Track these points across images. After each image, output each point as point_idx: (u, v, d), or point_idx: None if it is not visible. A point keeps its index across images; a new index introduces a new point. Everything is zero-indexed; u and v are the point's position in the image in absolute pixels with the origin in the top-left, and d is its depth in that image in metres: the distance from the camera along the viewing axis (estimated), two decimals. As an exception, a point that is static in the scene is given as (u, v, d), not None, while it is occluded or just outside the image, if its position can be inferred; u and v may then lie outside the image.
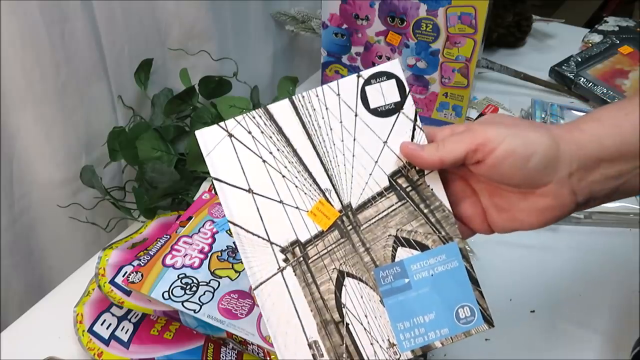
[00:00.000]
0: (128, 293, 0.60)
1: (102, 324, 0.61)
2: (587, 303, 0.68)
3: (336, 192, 0.44)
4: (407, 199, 0.44)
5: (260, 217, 0.43)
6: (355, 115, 0.44)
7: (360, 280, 0.43)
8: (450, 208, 0.44)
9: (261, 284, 0.43)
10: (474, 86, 0.98)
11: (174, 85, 0.86)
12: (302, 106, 0.44)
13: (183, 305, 0.57)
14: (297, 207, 0.43)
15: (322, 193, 0.44)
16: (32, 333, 0.66)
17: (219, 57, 0.89)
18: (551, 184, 0.41)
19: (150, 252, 0.62)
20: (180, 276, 0.60)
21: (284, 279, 0.43)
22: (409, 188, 0.44)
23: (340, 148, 0.44)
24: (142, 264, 0.60)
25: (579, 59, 1.08)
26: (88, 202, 0.78)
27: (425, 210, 0.44)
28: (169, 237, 0.64)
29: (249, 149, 0.43)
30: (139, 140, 0.75)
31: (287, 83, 0.83)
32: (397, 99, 0.44)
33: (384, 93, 0.44)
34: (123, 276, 0.62)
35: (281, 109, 0.44)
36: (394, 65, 0.44)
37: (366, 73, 0.44)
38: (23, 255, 0.80)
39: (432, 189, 0.44)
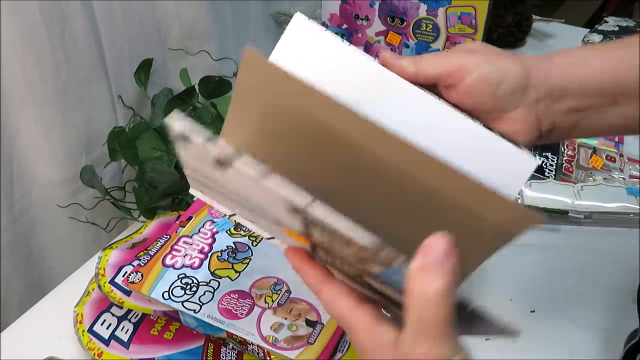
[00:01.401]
0: (128, 293, 0.60)
1: (102, 324, 0.61)
2: (587, 303, 0.68)
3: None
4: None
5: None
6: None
7: None
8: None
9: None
10: (474, 86, 0.98)
11: (174, 85, 0.86)
12: None
13: (183, 305, 0.57)
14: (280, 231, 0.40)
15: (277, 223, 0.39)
16: (32, 333, 0.66)
17: (219, 57, 0.89)
18: (519, 108, 0.43)
19: (150, 252, 0.62)
20: (180, 276, 0.60)
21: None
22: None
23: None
24: (142, 264, 0.60)
25: (579, 59, 1.08)
26: (88, 202, 0.78)
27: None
28: (169, 237, 0.64)
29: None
30: (139, 140, 0.75)
31: (287, 83, 0.82)
32: None
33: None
34: (123, 276, 0.62)
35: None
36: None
37: None
38: (23, 255, 0.80)
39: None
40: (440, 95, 0.43)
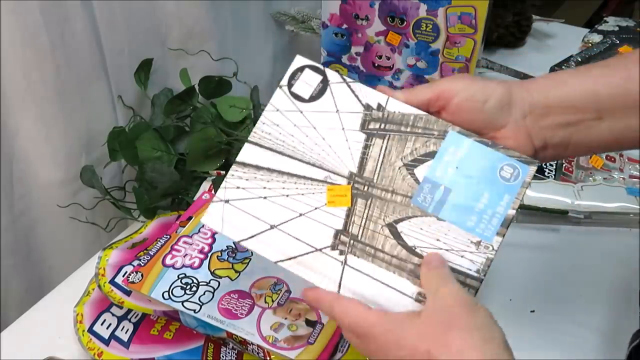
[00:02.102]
0: (128, 293, 0.60)
1: (102, 324, 0.61)
2: (587, 303, 0.68)
3: (335, 173, 0.46)
4: (387, 132, 0.47)
5: (296, 238, 0.45)
6: (301, 112, 0.48)
7: (409, 217, 0.45)
8: (424, 112, 0.47)
9: (339, 287, 0.44)
10: (474, 86, 0.98)
11: (174, 85, 0.86)
12: (260, 137, 0.48)
13: (183, 305, 0.57)
14: (315, 208, 0.46)
15: (324, 182, 0.46)
16: (32, 333, 0.66)
17: (219, 57, 0.89)
18: (509, 125, 0.46)
19: (150, 252, 0.62)
20: (180, 276, 0.60)
21: (351, 267, 0.44)
22: (382, 124, 0.47)
23: (310, 143, 0.47)
24: (142, 264, 0.60)
25: (579, 59, 1.08)
26: (88, 202, 0.78)
27: (408, 129, 0.47)
28: (169, 237, 0.64)
29: (247, 199, 0.46)
30: (139, 140, 0.75)
31: (287, 83, 0.82)
32: (319, 77, 0.48)
33: (308, 82, 0.48)
34: (123, 276, 0.62)
35: (247, 153, 0.47)
36: (298, 60, 0.49)
37: (284, 81, 0.49)
38: (23, 255, 0.80)
39: (399, 112, 0.47)
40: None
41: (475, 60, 0.88)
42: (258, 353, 0.56)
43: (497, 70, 1.07)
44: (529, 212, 0.78)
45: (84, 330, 0.61)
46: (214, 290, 0.59)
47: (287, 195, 0.46)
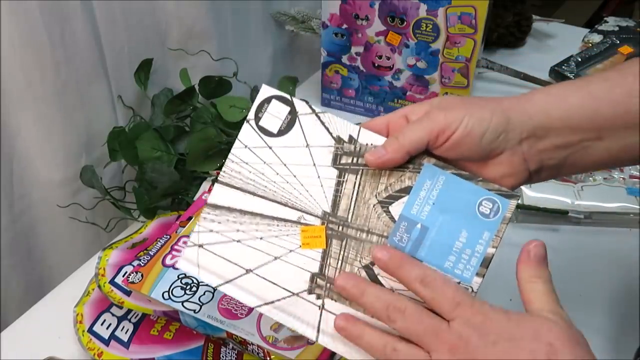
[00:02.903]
0: (128, 293, 0.60)
1: (102, 324, 0.61)
2: (587, 303, 0.68)
3: (308, 213, 0.44)
4: (360, 167, 0.44)
5: (272, 282, 0.44)
6: (270, 148, 0.45)
7: None
8: None
9: (318, 333, 0.43)
10: (474, 86, 0.98)
11: (174, 85, 0.86)
12: (230, 177, 0.45)
13: (183, 305, 0.57)
14: (290, 250, 0.44)
15: (297, 223, 0.44)
16: (32, 333, 0.66)
17: (219, 57, 0.89)
18: (504, 152, 0.44)
19: (150, 252, 0.62)
20: (180, 276, 0.60)
21: (329, 312, 0.43)
22: (354, 158, 0.45)
23: (281, 180, 0.45)
24: (142, 264, 0.60)
25: (579, 59, 1.08)
26: (88, 202, 0.78)
27: None
28: (169, 237, 0.64)
29: (220, 242, 0.45)
30: (139, 140, 0.75)
31: (287, 83, 0.83)
32: (287, 109, 0.45)
33: (275, 114, 0.45)
34: (123, 276, 0.62)
35: (218, 194, 0.45)
36: (264, 91, 0.46)
37: (251, 114, 0.46)
38: (23, 255, 0.80)
39: (371, 144, 0.45)
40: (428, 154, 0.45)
41: (475, 60, 0.88)
42: (258, 353, 0.56)
43: (497, 70, 1.07)
44: (529, 212, 0.78)
45: (84, 331, 0.61)
46: (214, 290, 0.59)
47: (261, 238, 0.44)
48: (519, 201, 0.80)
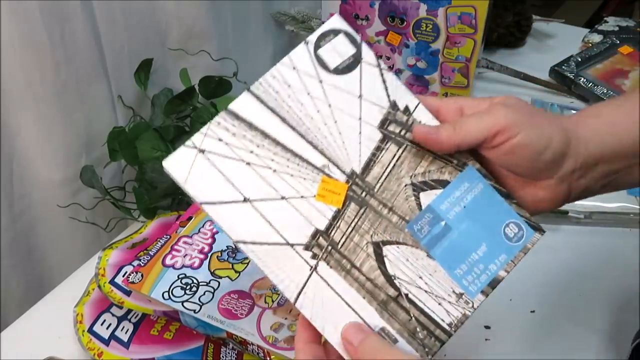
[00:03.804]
0: (128, 293, 0.60)
1: (102, 324, 0.61)
2: (587, 303, 0.68)
3: (335, 165, 0.40)
4: (406, 142, 0.42)
5: (269, 222, 0.39)
6: (320, 82, 0.41)
7: (398, 242, 0.40)
8: None
9: (299, 294, 0.38)
10: (474, 86, 0.98)
11: (174, 85, 0.86)
12: (265, 92, 0.40)
13: (183, 306, 0.57)
14: (302, 197, 0.39)
15: (320, 171, 0.40)
16: (32, 333, 0.66)
17: (219, 57, 0.89)
18: (553, 178, 0.41)
19: (150, 252, 0.62)
20: (180, 276, 0.60)
21: (320, 276, 0.39)
22: (403, 131, 0.41)
23: (319, 119, 0.40)
24: (142, 264, 0.60)
25: (579, 59, 1.08)
26: (88, 202, 0.78)
27: None
28: (169, 237, 0.64)
29: (227, 157, 0.39)
30: (139, 140, 0.75)
31: (287, 83, 0.82)
32: (353, 50, 0.41)
33: (338, 50, 0.41)
34: (123, 276, 0.62)
35: (244, 104, 0.40)
36: (336, 20, 0.41)
37: (312, 37, 0.41)
38: (23, 255, 0.80)
39: (425, 123, 0.42)
40: (475, 155, 0.42)
41: (475, 60, 0.88)
42: (258, 353, 0.56)
43: (497, 70, 1.07)
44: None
45: (84, 331, 0.61)
46: (214, 290, 0.59)
47: (275, 171, 0.39)
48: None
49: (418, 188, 0.41)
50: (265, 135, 0.40)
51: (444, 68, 0.90)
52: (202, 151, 0.39)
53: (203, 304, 0.57)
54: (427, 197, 0.41)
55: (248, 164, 0.39)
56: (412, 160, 0.41)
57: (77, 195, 0.79)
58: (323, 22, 0.95)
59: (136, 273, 0.59)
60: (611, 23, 1.20)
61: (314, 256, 0.39)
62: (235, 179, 0.39)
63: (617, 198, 0.78)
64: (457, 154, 0.42)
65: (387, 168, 0.41)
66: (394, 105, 0.42)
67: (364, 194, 0.41)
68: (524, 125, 0.40)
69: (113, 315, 0.62)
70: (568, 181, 0.42)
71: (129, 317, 0.62)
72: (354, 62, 0.41)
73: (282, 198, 0.39)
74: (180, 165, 0.38)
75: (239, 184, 0.39)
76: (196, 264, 0.61)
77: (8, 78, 0.67)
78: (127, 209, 0.77)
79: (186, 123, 0.82)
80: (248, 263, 0.62)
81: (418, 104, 0.42)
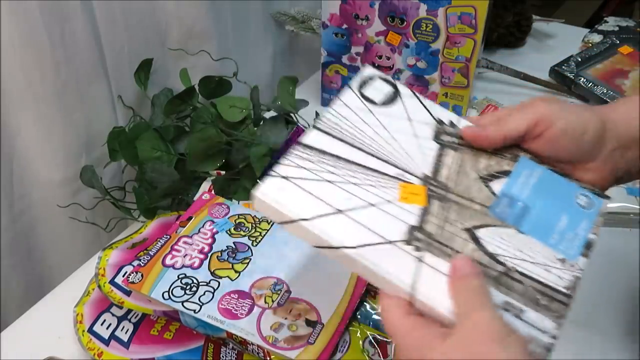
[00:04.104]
0: (128, 293, 0.60)
1: (102, 324, 0.61)
2: (588, 303, 0.68)
3: (408, 172, 0.44)
4: (460, 147, 0.46)
5: (366, 227, 0.41)
6: (372, 113, 0.46)
7: (488, 224, 0.43)
8: None
9: (415, 285, 0.39)
10: (474, 86, 0.98)
11: (174, 85, 0.86)
12: (328, 126, 0.45)
13: (183, 305, 0.57)
14: (388, 201, 0.42)
15: (397, 179, 0.44)
16: (32, 333, 0.66)
17: (219, 57, 0.89)
18: (597, 159, 0.45)
19: (150, 252, 0.62)
20: (180, 276, 0.60)
21: (429, 265, 0.40)
22: (454, 139, 0.47)
23: (382, 140, 0.45)
24: (142, 264, 0.60)
25: (579, 59, 1.08)
26: (88, 202, 0.78)
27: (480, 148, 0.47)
28: (169, 237, 0.64)
29: (310, 179, 0.42)
30: (139, 140, 0.75)
31: (287, 83, 0.82)
32: (390, 88, 0.48)
33: (378, 89, 0.48)
34: (123, 276, 0.62)
35: (313, 137, 0.45)
36: (368, 71, 0.49)
37: (353, 83, 0.48)
38: (23, 255, 0.80)
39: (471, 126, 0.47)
40: (521, 148, 0.47)
41: (475, 60, 0.88)
42: (258, 353, 0.56)
43: (497, 70, 1.07)
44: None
45: (84, 330, 0.61)
46: (214, 290, 0.59)
47: (356, 184, 0.42)
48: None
49: (486, 179, 0.45)
50: (339, 158, 0.44)
51: (444, 68, 0.90)
52: (286, 177, 0.42)
53: (203, 304, 0.57)
54: (498, 185, 0.45)
55: (330, 182, 0.43)
56: (472, 160, 0.46)
57: (77, 195, 0.79)
58: (323, 22, 0.95)
59: (136, 273, 0.59)
60: (611, 23, 1.20)
61: (417, 249, 0.41)
62: (323, 196, 0.42)
63: (617, 198, 0.78)
64: (507, 150, 0.46)
65: (452, 168, 0.45)
66: (440, 122, 0.47)
67: (441, 191, 0.44)
68: (562, 113, 0.44)
69: (113, 315, 0.62)
70: (612, 161, 0.45)
71: (129, 317, 0.62)
72: (394, 95, 0.48)
73: (371, 205, 0.42)
74: (269, 193, 0.41)
75: (329, 199, 0.41)
76: (196, 264, 0.61)
77: (8, 78, 0.67)
78: (127, 209, 0.77)
79: (186, 123, 0.82)
80: (248, 263, 0.62)
81: (459, 119, 0.47)
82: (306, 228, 0.40)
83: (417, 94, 0.48)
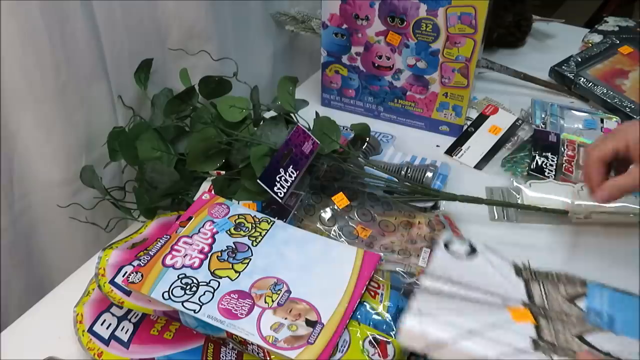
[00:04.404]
0: (128, 293, 0.60)
1: (102, 324, 0.61)
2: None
3: (509, 299, 0.54)
4: (540, 279, 0.57)
5: (498, 341, 0.48)
6: (461, 262, 0.57)
7: (590, 330, 0.51)
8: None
9: None
10: (474, 86, 0.98)
11: (174, 85, 0.86)
12: (434, 274, 0.55)
13: (183, 305, 0.57)
14: (506, 321, 0.51)
15: (502, 306, 0.52)
16: (32, 333, 0.66)
17: (219, 57, 0.89)
18: None
19: (150, 252, 0.62)
20: (180, 276, 0.60)
21: None
22: (532, 274, 0.57)
23: (477, 280, 0.55)
24: (142, 264, 0.60)
25: (579, 59, 1.08)
26: (88, 202, 0.78)
27: (555, 279, 0.57)
28: (169, 237, 0.64)
29: (440, 310, 0.51)
30: (139, 141, 0.75)
31: (287, 83, 0.82)
32: (466, 246, 0.59)
33: (457, 248, 0.59)
34: (123, 276, 0.62)
35: (428, 282, 0.54)
36: (447, 234, 0.61)
37: (440, 243, 0.59)
38: (23, 255, 0.80)
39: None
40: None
41: (475, 60, 0.88)
42: (258, 353, 0.56)
43: (497, 70, 1.07)
44: (529, 212, 0.78)
45: (84, 330, 0.61)
46: (214, 290, 0.59)
47: (475, 311, 0.51)
48: (519, 201, 0.79)
49: (570, 299, 0.54)
50: (454, 294, 0.53)
51: (444, 68, 0.90)
52: (421, 311, 0.51)
53: (203, 303, 0.57)
54: (581, 303, 0.54)
55: (455, 310, 0.51)
56: (552, 287, 0.56)
57: (77, 195, 0.79)
58: (323, 22, 0.95)
59: (136, 273, 0.59)
60: (611, 23, 1.20)
61: (545, 351, 0.48)
62: (456, 322, 0.50)
63: (617, 198, 0.77)
64: (575, 278, 0.57)
65: (542, 295, 0.55)
66: (513, 263, 0.58)
67: (541, 311, 0.53)
68: None
69: (113, 315, 0.62)
70: None
71: (129, 317, 0.62)
72: (472, 250, 0.58)
73: (492, 325, 0.50)
74: (414, 325, 0.49)
75: (461, 324, 0.49)
76: (196, 264, 0.61)
77: (8, 78, 0.67)
78: (127, 209, 0.77)
79: (186, 123, 0.82)
80: (248, 263, 0.62)
81: (528, 261, 0.58)
82: (450, 349, 0.48)
83: (484, 246, 0.59)
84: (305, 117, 0.80)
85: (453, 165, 0.88)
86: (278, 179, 0.70)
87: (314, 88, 1.04)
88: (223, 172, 0.76)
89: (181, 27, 0.86)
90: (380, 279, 0.64)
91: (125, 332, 0.60)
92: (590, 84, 1.03)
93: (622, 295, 0.55)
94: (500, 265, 0.57)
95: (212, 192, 0.74)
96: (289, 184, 0.71)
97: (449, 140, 0.94)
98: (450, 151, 0.92)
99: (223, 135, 0.76)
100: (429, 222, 0.72)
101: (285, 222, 0.69)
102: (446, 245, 0.59)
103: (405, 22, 0.87)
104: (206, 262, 0.62)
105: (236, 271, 0.61)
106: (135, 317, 0.62)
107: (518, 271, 0.57)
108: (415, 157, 0.88)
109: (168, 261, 0.61)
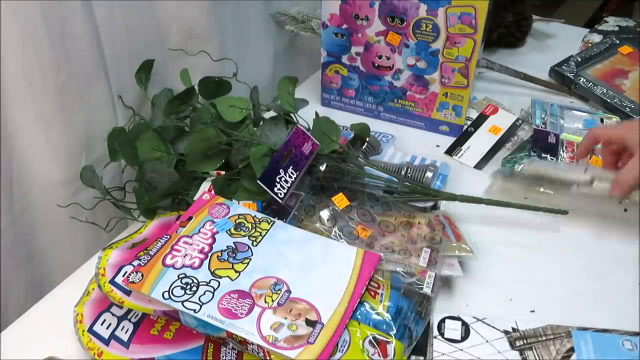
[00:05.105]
0: (128, 293, 0.60)
1: (102, 324, 0.61)
2: (587, 303, 0.68)
3: None
4: (531, 345, 0.60)
5: None
6: (462, 350, 0.60)
7: None
8: (548, 324, 0.62)
9: None
10: (474, 86, 0.98)
11: (174, 85, 0.86)
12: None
13: (183, 305, 0.57)
14: None
15: None
16: (32, 333, 0.66)
17: (219, 57, 0.89)
18: None
19: (150, 252, 0.62)
20: (180, 276, 0.60)
21: None
22: (524, 340, 0.61)
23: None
24: (142, 264, 0.60)
25: (579, 59, 1.08)
26: (88, 202, 0.78)
27: (544, 338, 0.61)
28: (169, 237, 0.64)
29: None
30: (139, 141, 0.75)
31: (287, 83, 0.82)
32: (459, 322, 0.62)
33: (453, 328, 0.62)
34: (123, 276, 0.62)
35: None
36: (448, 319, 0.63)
37: (435, 332, 0.61)
38: (23, 255, 0.80)
39: (530, 328, 0.62)
40: None
41: (475, 60, 0.88)
42: (258, 353, 0.56)
43: (497, 70, 1.07)
44: (528, 212, 0.78)
45: (84, 330, 0.61)
46: (214, 290, 0.59)
47: None
48: (519, 201, 0.79)
49: (562, 359, 0.59)
50: None
51: (444, 68, 0.90)
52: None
53: (203, 303, 0.57)
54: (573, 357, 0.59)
55: None
56: (544, 350, 0.59)
57: (77, 195, 0.79)
58: (323, 22, 0.95)
59: (136, 273, 0.59)
60: (611, 23, 1.20)
61: None
62: None
63: (617, 198, 0.77)
64: (560, 329, 0.61)
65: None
66: (505, 332, 0.61)
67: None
68: None
69: (113, 315, 0.62)
70: None
71: (129, 316, 0.62)
72: (466, 327, 0.61)
73: None
74: None
75: None
76: (196, 264, 0.61)
77: (8, 78, 0.67)
78: (127, 209, 0.77)
79: (186, 123, 0.82)
80: (248, 263, 0.62)
81: (516, 322, 0.62)
82: None
83: (476, 318, 0.62)
84: (305, 117, 0.80)
85: (453, 165, 0.88)
86: (278, 180, 0.70)
87: (314, 88, 1.04)
88: (223, 172, 0.76)
89: (181, 28, 0.86)
90: (380, 279, 0.64)
91: (126, 332, 0.60)
92: (590, 84, 1.03)
93: (603, 337, 0.60)
94: (493, 338, 0.60)
95: (212, 192, 0.74)
96: (289, 184, 0.71)
97: (449, 140, 0.94)
98: (450, 151, 0.92)
99: (223, 136, 0.76)
100: (429, 222, 0.72)
101: (285, 222, 0.69)
102: (440, 332, 0.61)
103: (405, 22, 0.87)
104: (206, 262, 0.62)
105: (236, 271, 0.61)
106: (135, 317, 0.62)
107: (512, 343, 0.60)
108: (415, 157, 0.88)
109: (168, 261, 0.61)
